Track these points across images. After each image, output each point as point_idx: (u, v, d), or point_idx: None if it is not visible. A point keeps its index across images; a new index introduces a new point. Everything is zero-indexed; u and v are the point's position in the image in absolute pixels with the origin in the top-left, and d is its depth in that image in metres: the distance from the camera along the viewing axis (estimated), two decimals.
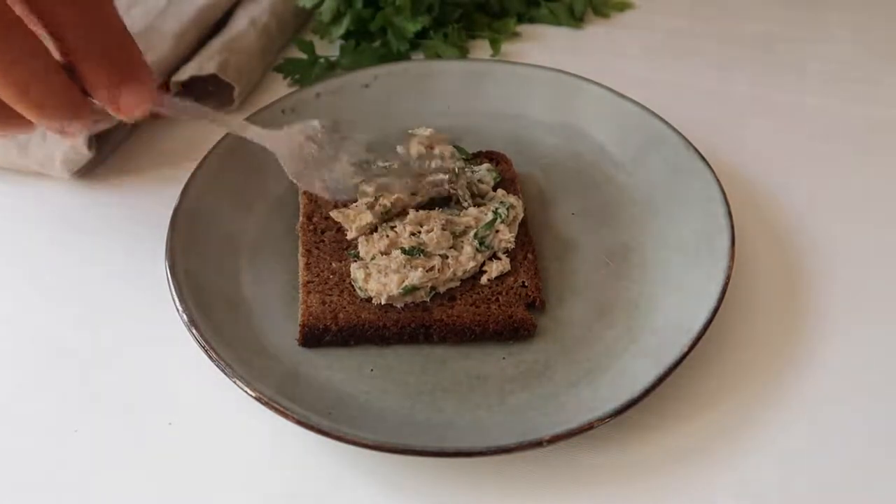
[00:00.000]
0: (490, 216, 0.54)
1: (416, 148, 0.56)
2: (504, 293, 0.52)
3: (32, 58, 0.39)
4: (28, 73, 0.39)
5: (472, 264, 0.52)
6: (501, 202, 0.55)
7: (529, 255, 0.54)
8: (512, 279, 0.53)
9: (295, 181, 0.50)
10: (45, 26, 0.40)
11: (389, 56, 0.71)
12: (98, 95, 0.42)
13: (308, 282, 0.52)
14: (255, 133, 0.49)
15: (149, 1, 0.69)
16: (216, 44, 0.68)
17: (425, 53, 0.72)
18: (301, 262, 0.53)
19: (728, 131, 0.66)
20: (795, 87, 0.71)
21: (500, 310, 0.51)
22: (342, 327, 0.50)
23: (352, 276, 0.52)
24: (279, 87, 0.70)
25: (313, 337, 0.50)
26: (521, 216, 0.55)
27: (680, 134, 0.59)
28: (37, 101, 0.40)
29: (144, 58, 0.42)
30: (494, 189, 0.57)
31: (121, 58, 0.41)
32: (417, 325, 0.50)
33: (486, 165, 0.58)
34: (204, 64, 0.66)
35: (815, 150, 0.66)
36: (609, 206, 0.59)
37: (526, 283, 0.53)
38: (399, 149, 0.55)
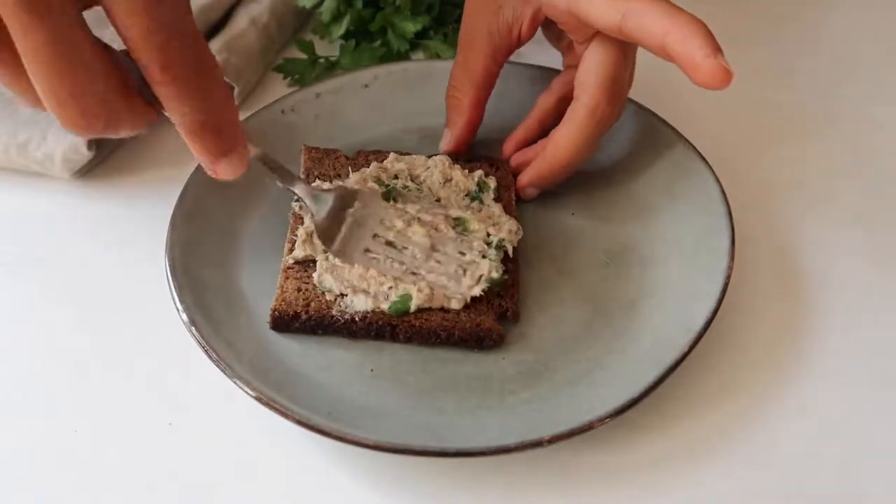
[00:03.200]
0: (486, 266, 0.52)
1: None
2: (477, 300, 0.51)
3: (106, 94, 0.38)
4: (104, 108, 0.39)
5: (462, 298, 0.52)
6: (497, 244, 0.53)
7: (510, 265, 0.53)
8: (488, 287, 0.52)
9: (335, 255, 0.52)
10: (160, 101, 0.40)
11: (389, 56, 0.71)
12: (199, 159, 0.42)
13: (289, 267, 0.52)
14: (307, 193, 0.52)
15: None
16: (216, 44, 0.67)
17: (425, 53, 0.72)
18: (286, 247, 0.53)
19: (728, 131, 0.66)
20: (796, 86, 0.71)
21: (468, 317, 0.51)
22: (311, 316, 0.50)
23: (317, 281, 0.51)
24: (279, 87, 0.70)
25: (283, 322, 0.50)
26: (516, 241, 0.54)
27: (680, 134, 0.59)
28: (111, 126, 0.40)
29: (239, 120, 0.43)
30: (496, 199, 0.57)
31: (225, 133, 0.42)
32: (384, 323, 0.50)
33: (478, 173, 0.58)
34: None
35: (816, 150, 0.66)
36: (609, 206, 0.59)
37: (501, 293, 0.52)
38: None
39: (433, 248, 0.52)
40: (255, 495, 0.46)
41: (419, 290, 0.50)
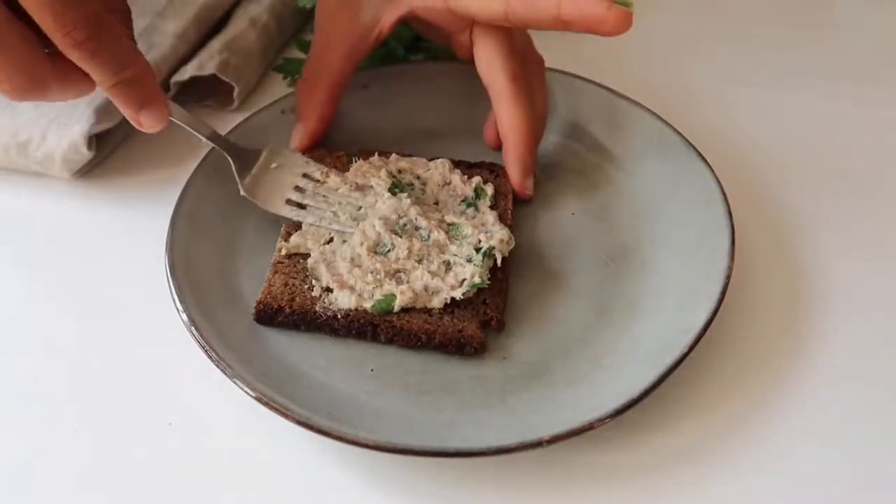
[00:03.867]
0: (470, 270, 0.51)
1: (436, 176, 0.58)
2: (462, 306, 0.51)
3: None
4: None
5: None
6: (485, 252, 0.52)
7: (500, 274, 0.53)
8: (475, 293, 0.52)
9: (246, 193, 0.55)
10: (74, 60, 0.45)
11: (389, 57, 0.71)
12: (123, 113, 0.49)
13: (278, 262, 0.53)
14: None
15: (149, 0, 0.69)
16: (216, 44, 0.68)
17: (425, 55, 0.72)
18: (279, 241, 0.54)
19: (728, 131, 0.66)
20: (796, 87, 0.71)
21: (451, 323, 0.50)
22: (295, 311, 0.50)
23: (310, 265, 0.52)
24: (279, 87, 0.70)
25: (267, 315, 0.51)
26: (507, 251, 0.53)
27: (680, 134, 0.59)
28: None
29: (155, 79, 0.49)
30: (492, 207, 0.56)
31: (140, 87, 0.48)
32: (366, 322, 0.50)
33: (476, 179, 0.58)
34: (204, 64, 0.66)
35: (816, 150, 0.66)
36: (609, 206, 0.59)
37: (488, 301, 0.52)
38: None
39: (418, 250, 0.52)
40: (255, 495, 0.46)
41: (402, 293, 0.50)
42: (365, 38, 0.58)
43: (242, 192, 0.55)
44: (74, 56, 0.45)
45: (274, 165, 0.56)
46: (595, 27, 0.49)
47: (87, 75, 0.46)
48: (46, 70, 0.45)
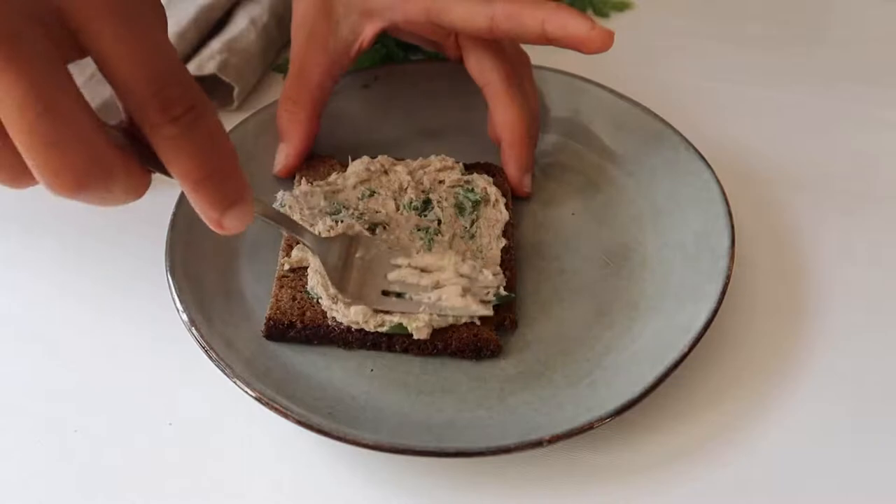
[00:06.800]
0: (491, 280, 0.51)
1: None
2: None
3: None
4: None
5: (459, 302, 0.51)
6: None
7: (507, 273, 0.53)
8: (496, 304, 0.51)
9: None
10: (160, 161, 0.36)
11: (389, 57, 0.71)
12: (203, 216, 0.38)
13: (283, 276, 0.52)
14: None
15: None
16: (216, 44, 0.68)
17: (425, 55, 0.72)
18: (281, 254, 0.53)
19: (728, 131, 0.66)
20: (796, 87, 0.71)
21: (466, 328, 0.50)
22: (306, 325, 0.50)
23: (309, 287, 0.51)
24: (279, 87, 0.69)
25: (277, 331, 0.50)
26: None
27: (680, 134, 0.59)
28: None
29: (244, 175, 0.38)
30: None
31: (229, 184, 0.37)
32: (379, 334, 0.49)
33: (474, 176, 0.57)
34: (204, 64, 0.66)
35: (815, 150, 0.66)
36: (609, 206, 0.59)
37: (500, 302, 0.52)
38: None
39: (438, 284, 0.51)
40: (255, 495, 0.46)
41: (421, 322, 0.49)
42: (345, 53, 0.58)
43: (346, 299, 0.49)
44: (166, 134, 0.34)
45: (358, 255, 0.52)
46: (578, 45, 0.51)
47: (146, 171, 0.37)
48: (112, 152, 0.34)
